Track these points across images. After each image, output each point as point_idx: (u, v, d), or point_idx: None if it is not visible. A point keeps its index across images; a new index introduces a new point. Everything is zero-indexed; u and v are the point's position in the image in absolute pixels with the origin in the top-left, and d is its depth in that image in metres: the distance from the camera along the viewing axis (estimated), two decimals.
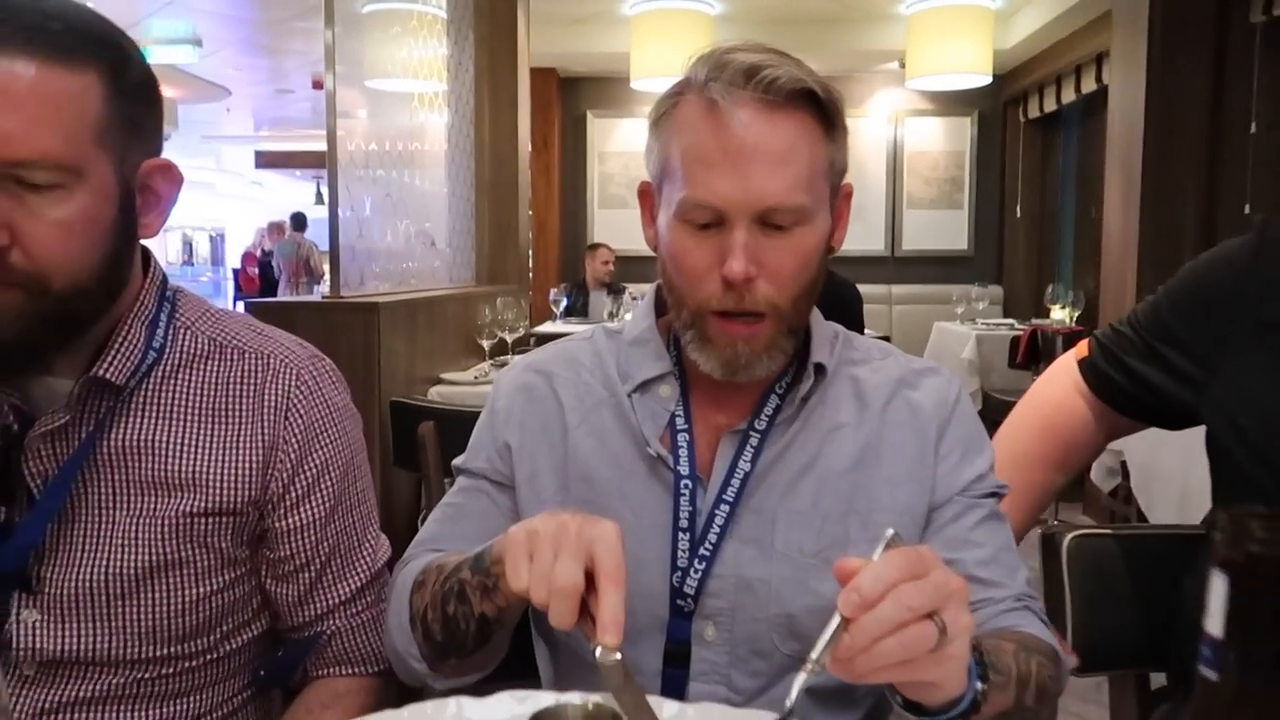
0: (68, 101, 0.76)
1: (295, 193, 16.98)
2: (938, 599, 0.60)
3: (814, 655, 0.60)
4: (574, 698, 0.70)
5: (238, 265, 14.93)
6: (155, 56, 7.27)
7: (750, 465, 0.89)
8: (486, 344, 3.18)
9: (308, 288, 9.97)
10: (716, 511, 0.88)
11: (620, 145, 7.28)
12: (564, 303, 5.46)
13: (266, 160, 14.17)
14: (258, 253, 13.21)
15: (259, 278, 12.42)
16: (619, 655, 0.63)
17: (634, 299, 4.49)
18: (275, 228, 12.13)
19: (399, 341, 2.68)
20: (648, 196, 0.93)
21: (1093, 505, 4.41)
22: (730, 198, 0.81)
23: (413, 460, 2.24)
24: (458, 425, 2.13)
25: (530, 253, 5.88)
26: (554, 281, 6.59)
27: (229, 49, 7.68)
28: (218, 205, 20.17)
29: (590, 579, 0.66)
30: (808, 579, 0.87)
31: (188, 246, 22.67)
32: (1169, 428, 1.18)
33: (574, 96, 7.32)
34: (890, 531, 0.63)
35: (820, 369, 0.91)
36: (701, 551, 0.87)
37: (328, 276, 2.83)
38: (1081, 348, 1.22)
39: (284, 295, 10.14)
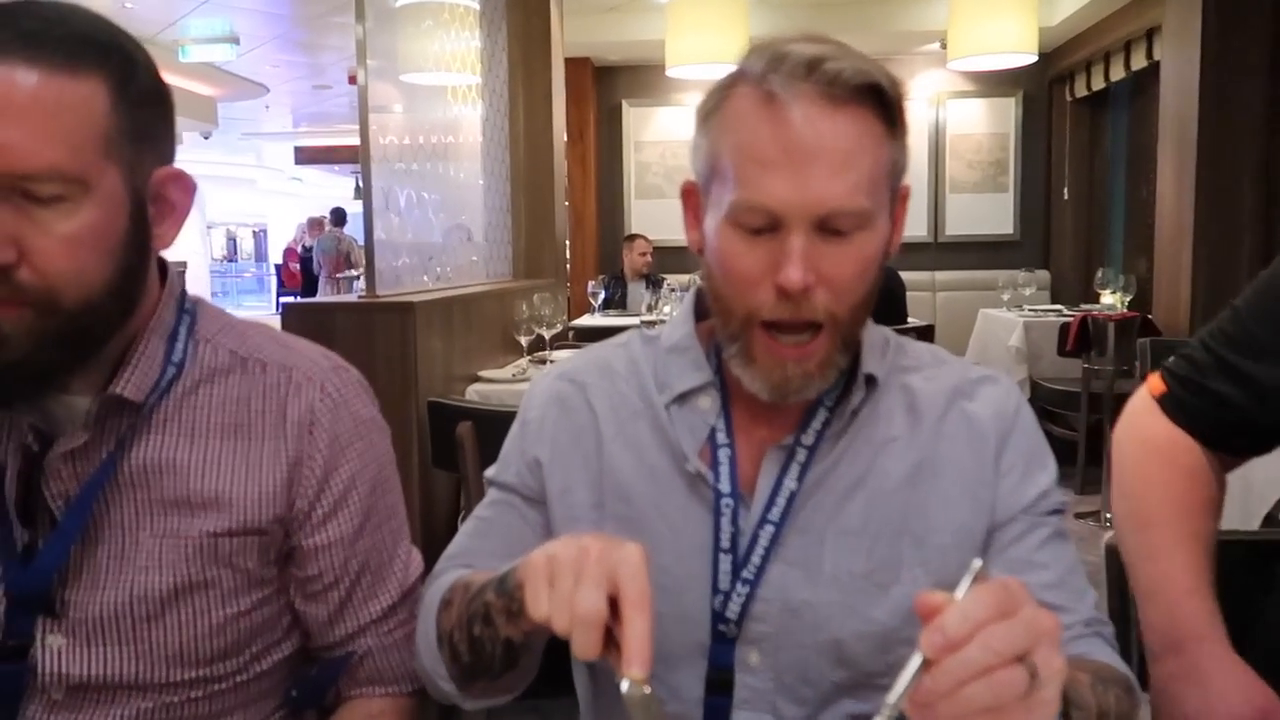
0: (72, 111, 0.73)
1: (335, 188, 17.18)
2: (1029, 640, 0.55)
3: (891, 699, 0.55)
4: None
5: (280, 261, 15.11)
6: (193, 55, 7.37)
7: (797, 483, 0.84)
8: (524, 340, 3.15)
9: (348, 283, 10.06)
10: (760, 532, 0.83)
11: (657, 134, 7.21)
12: (602, 295, 5.44)
13: (306, 156, 14.34)
14: (299, 248, 13.36)
15: (300, 273, 12.56)
16: (648, 688, 0.59)
17: (672, 290, 4.44)
18: (315, 223, 12.25)
19: (435, 340, 2.66)
20: (692, 196, 0.87)
21: None
22: (788, 200, 0.75)
23: (451, 461, 2.22)
24: (496, 425, 2.10)
25: (567, 245, 5.85)
26: (592, 274, 6.56)
27: (266, 46, 7.74)
28: (260, 201, 20.47)
29: (615, 605, 0.61)
30: (857, 603, 0.82)
31: (232, 243, 23.04)
32: (1260, 453, 1.07)
33: (609, 86, 7.27)
34: (978, 563, 0.58)
35: (871, 380, 0.86)
36: (745, 574, 0.83)
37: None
38: (1153, 384, 1.10)
39: (325, 290, 10.26)
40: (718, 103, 0.81)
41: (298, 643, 0.94)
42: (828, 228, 0.76)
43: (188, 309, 0.90)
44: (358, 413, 0.92)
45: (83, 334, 0.78)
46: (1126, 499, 1.07)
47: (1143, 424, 1.09)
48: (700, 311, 0.93)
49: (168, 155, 0.84)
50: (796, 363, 0.79)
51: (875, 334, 0.89)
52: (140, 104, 0.79)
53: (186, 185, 0.85)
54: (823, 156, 0.75)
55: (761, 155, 0.76)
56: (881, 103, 0.78)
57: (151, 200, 0.82)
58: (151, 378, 0.84)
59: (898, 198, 0.84)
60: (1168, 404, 1.07)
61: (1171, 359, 1.09)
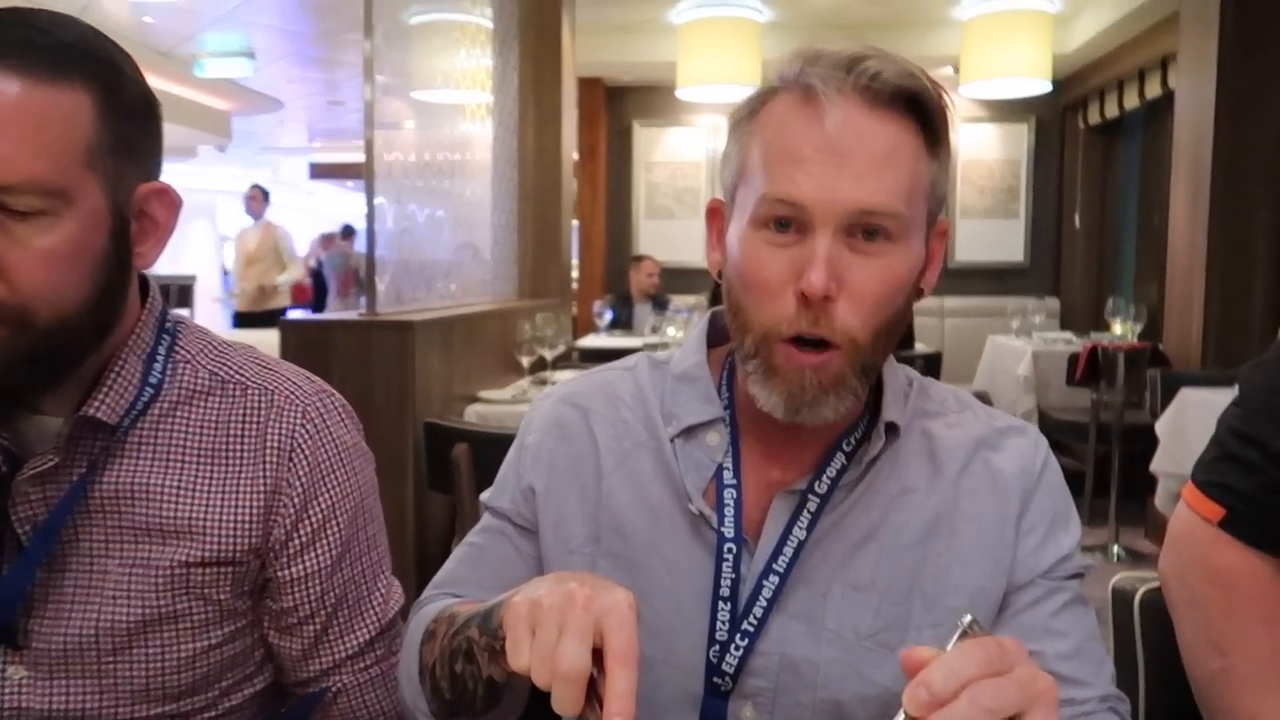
0: (54, 121, 0.71)
1: (348, 203, 17.23)
2: (1021, 701, 0.51)
3: None
4: None
5: None
6: (210, 70, 7.41)
7: (806, 532, 0.79)
8: (526, 361, 3.12)
9: (357, 298, 10.07)
10: (765, 582, 0.78)
11: (667, 155, 7.21)
12: (608, 316, 5.42)
13: (320, 171, 14.40)
14: (311, 262, 13.39)
15: (311, 288, 12.57)
16: None
17: (678, 312, 4.42)
18: (327, 239, 12.27)
19: (435, 360, 2.63)
20: (717, 215, 0.83)
21: (1156, 531, 4.23)
22: (816, 196, 0.71)
23: (447, 483, 2.19)
24: (492, 448, 2.08)
25: (576, 264, 5.83)
26: (599, 293, 6.55)
27: (282, 62, 7.78)
28: (275, 216, 20.58)
29: (599, 655, 0.58)
30: (861, 664, 0.78)
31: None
32: None
33: (620, 106, 7.28)
34: (968, 618, 0.55)
35: (892, 428, 0.81)
36: (745, 626, 0.78)
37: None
38: (1203, 508, 0.93)
39: (334, 305, 10.27)
40: (753, 109, 0.78)
41: (271, 677, 0.91)
42: (857, 234, 0.73)
43: (168, 329, 0.88)
44: (340, 439, 0.89)
45: (57, 353, 0.76)
46: (1217, 655, 0.91)
47: (1208, 557, 0.93)
48: (712, 338, 0.89)
49: (153, 170, 0.82)
50: (814, 372, 0.74)
51: (898, 377, 0.84)
52: (126, 117, 0.77)
53: (172, 202, 0.82)
54: (858, 155, 0.71)
55: (794, 150, 0.72)
56: (923, 116, 0.74)
57: (135, 217, 0.80)
58: (127, 399, 0.82)
59: (936, 229, 0.79)
60: (1239, 527, 0.91)
61: (1209, 469, 0.95)
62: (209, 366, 0.87)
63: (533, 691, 0.76)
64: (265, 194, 7.56)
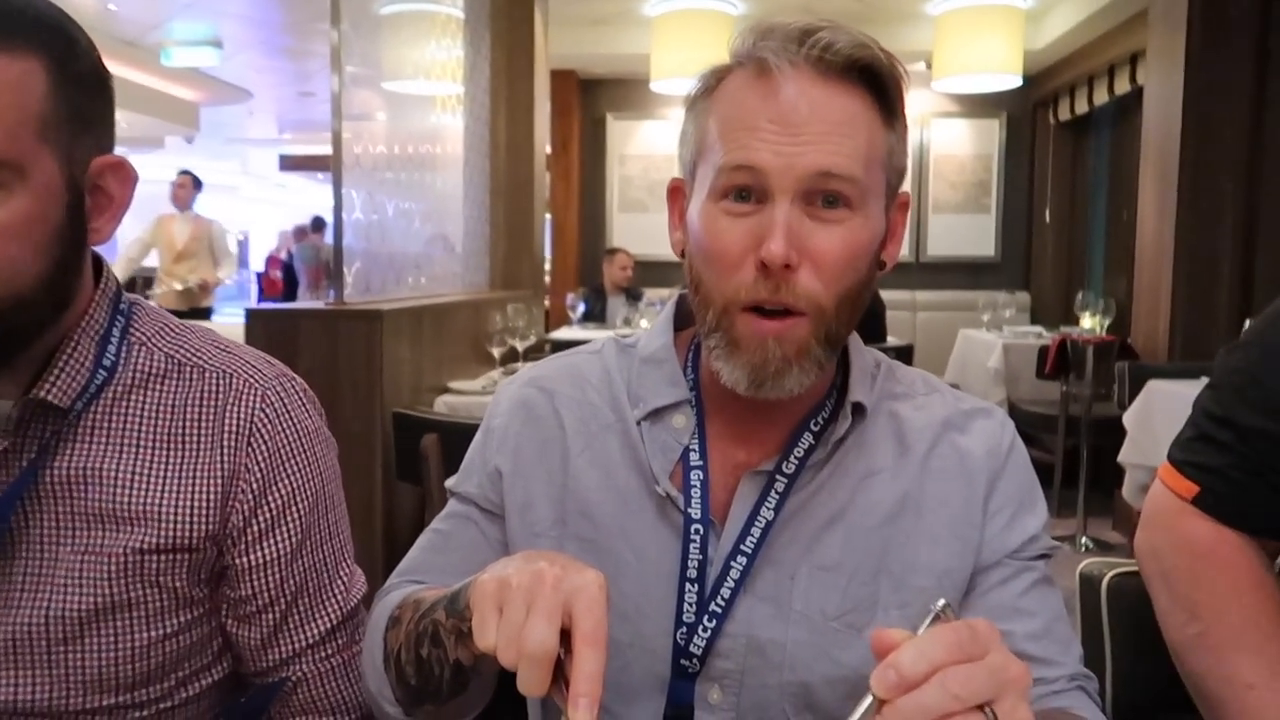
0: (6, 91, 0.69)
1: (319, 195, 17.07)
2: (992, 687, 0.51)
3: None
4: None
5: (261, 269, 14.93)
6: (176, 58, 7.29)
7: (774, 513, 0.78)
8: (497, 352, 3.10)
9: (327, 291, 9.97)
10: (732, 563, 0.78)
11: (640, 148, 7.19)
12: (581, 308, 5.40)
13: (290, 163, 14.25)
14: (282, 255, 13.26)
15: (282, 282, 12.45)
16: None
17: (651, 305, 4.40)
18: (299, 232, 12.15)
19: (404, 349, 2.61)
20: (677, 194, 0.84)
21: (1124, 522, 4.28)
22: (773, 162, 0.72)
23: (416, 474, 2.17)
24: (461, 438, 2.05)
25: (549, 257, 5.80)
26: (572, 286, 6.52)
27: (250, 51, 7.68)
28: (243, 208, 20.32)
29: (567, 636, 0.57)
30: (828, 645, 0.77)
31: None
32: None
33: (594, 99, 7.25)
34: (941, 601, 0.54)
35: (859, 409, 0.81)
36: (712, 608, 0.77)
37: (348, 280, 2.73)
38: (1177, 485, 0.96)
39: (305, 299, 10.17)
40: (708, 87, 0.79)
41: (229, 667, 0.89)
42: (816, 202, 0.73)
43: (123, 310, 0.85)
44: (301, 424, 0.87)
45: (9, 332, 0.74)
46: (1192, 621, 0.93)
47: (1180, 530, 0.95)
48: (679, 321, 0.88)
49: (107, 144, 0.80)
50: (777, 341, 0.74)
51: (866, 358, 0.85)
52: (80, 87, 0.75)
53: (127, 176, 0.80)
54: (814, 124, 0.72)
55: (750, 122, 0.73)
56: (877, 86, 0.75)
57: (89, 190, 0.78)
58: (80, 381, 0.79)
59: (895, 200, 0.80)
60: (1211, 505, 0.93)
61: (1183, 448, 0.97)
62: (165, 349, 0.85)
63: (501, 675, 0.75)
64: (197, 182, 6.44)
